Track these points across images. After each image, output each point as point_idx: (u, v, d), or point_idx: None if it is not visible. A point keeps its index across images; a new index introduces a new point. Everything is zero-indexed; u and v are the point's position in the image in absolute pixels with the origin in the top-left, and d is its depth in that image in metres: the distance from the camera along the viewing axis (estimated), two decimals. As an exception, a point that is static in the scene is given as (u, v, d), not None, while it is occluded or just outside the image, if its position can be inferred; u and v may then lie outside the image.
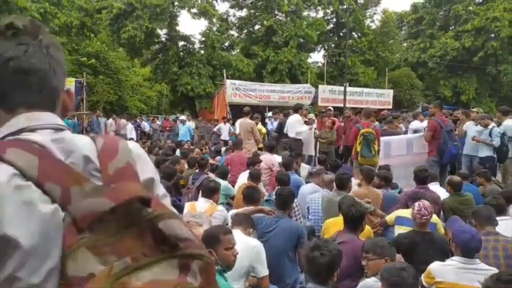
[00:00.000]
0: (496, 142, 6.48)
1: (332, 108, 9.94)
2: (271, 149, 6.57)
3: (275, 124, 10.40)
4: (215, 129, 12.22)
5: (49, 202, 0.65)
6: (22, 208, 0.63)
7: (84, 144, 0.75)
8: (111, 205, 0.65)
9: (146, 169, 0.80)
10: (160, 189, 0.83)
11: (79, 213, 0.65)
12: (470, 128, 7.02)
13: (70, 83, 15.32)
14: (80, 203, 0.66)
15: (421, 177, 4.33)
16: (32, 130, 0.72)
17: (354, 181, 4.69)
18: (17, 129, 0.72)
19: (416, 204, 3.06)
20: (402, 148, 6.72)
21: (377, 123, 8.12)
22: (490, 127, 6.64)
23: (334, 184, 4.31)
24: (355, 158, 6.06)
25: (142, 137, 14.65)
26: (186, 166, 6.13)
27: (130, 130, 13.92)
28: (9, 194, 0.62)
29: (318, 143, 8.54)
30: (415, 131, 7.69)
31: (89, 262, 0.62)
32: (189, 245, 0.67)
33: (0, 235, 0.60)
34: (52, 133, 0.74)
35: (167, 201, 0.83)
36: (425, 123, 7.25)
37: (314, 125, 8.49)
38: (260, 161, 5.57)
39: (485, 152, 6.61)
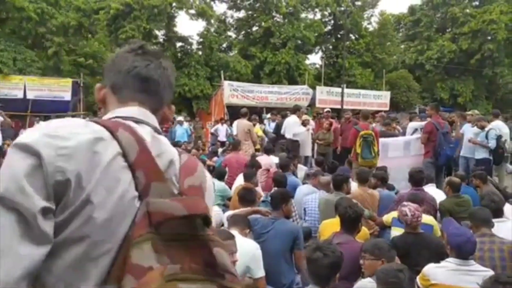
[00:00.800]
0: (492, 144, 6.52)
1: (330, 110, 9.95)
2: (268, 152, 6.58)
3: (273, 125, 10.40)
4: (212, 130, 12.20)
5: (134, 187, 0.73)
6: (112, 183, 0.71)
7: (173, 152, 0.85)
8: (184, 213, 0.71)
9: (209, 202, 0.87)
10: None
11: (154, 209, 0.71)
12: (467, 130, 7.06)
13: (67, 84, 15.29)
14: (158, 200, 0.73)
15: (417, 179, 4.34)
16: (138, 122, 0.83)
17: (353, 183, 4.68)
18: (127, 115, 0.84)
19: (406, 209, 3.01)
20: (399, 149, 6.73)
21: (374, 124, 8.12)
22: (486, 129, 6.67)
23: (332, 185, 4.31)
24: (355, 159, 6.06)
25: None
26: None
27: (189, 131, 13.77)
28: (107, 168, 0.71)
29: (315, 144, 8.54)
30: (415, 130, 7.67)
31: (151, 256, 0.68)
32: (233, 280, 0.74)
33: (85, 198, 0.68)
34: (152, 132, 0.84)
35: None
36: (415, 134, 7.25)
37: (310, 126, 8.48)
38: (260, 166, 5.55)
39: (481, 154, 6.64)
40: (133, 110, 0.86)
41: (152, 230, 0.70)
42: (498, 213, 3.33)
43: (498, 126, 6.88)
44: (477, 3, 26.55)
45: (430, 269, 2.55)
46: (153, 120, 0.88)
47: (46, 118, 13.51)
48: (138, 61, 0.89)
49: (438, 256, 2.76)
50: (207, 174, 0.91)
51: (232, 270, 0.75)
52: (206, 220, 0.75)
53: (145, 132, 0.81)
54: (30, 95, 13.74)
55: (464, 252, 2.47)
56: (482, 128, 6.71)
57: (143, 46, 0.92)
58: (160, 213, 0.70)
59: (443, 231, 3.81)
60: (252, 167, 5.35)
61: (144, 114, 0.86)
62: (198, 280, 0.69)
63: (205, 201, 0.82)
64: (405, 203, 3.17)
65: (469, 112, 7.89)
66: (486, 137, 6.57)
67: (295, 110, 8.23)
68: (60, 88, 14.85)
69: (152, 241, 0.69)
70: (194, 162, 0.88)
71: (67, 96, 14.95)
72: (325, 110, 9.87)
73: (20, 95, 13.98)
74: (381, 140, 6.46)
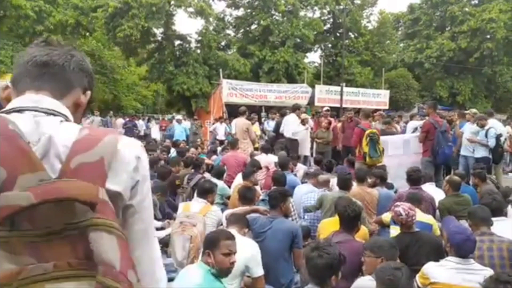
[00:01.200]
0: (492, 142, 6.51)
1: (329, 108, 9.93)
2: (266, 151, 6.57)
3: (271, 124, 10.38)
4: (211, 129, 12.18)
5: None
6: None
7: (62, 130, 0.75)
8: (31, 202, 0.61)
9: (116, 177, 0.74)
10: (136, 201, 0.78)
11: (2, 203, 0.61)
12: (467, 128, 7.05)
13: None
14: (8, 193, 0.62)
15: (414, 178, 4.33)
16: (21, 110, 0.77)
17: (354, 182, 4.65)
18: (12, 107, 0.79)
19: (400, 209, 3.00)
20: (399, 147, 6.71)
21: (374, 123, 8.12)
22: (486, 127, 6.66)
23: (335, 184, 4.29)
24: (361, 159, 6.03)
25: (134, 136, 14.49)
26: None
27: (154, 131, 13.60)
28: None
29: (314, 143, 8.52)
30: (415, 129, 7.65)
31: None
32: (107, 272, 0.63)
33: None
34: (40, 117, 0.77)
35: (142, 222, 0.79)
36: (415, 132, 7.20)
37: (308, 125, 8.45)
38: (260, 166, 5.53)
39: (480, 153, 6.63)
40: (22, 100, 0.80)
41: (6, 228, 0.60)
42: (498, 212, 3.32)
43: (495, 124, 6.89)
44: (476, 1, 26.55)
45: (429, 267, 2.54)
46: (49, 103, 0.80)
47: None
48: (39, 51, 0.85)
49: (437, 255, 2.75)
50: (125, 145, 0.77)
51: (109, 260, 0.63)
52: (88, 203, 0.64)
53: (25, 119, 0.74)
54: (28, 94, 13.69)
55: (464, 250, 2.46)
56: (483, 126, 6.70)
57: (47, 39, 0.89)
58: (5, 207, 0.60)
59: (443, 230, 3.81)
60: (252, 167, 5.33)
61: (33, 100, 0.79)
62: (73, 277, 0.61)
63: (93, 182, 0.68)
64: (398, 203, 3.17)
65: (467, 111, 7.88)
66: (486, 135, 6.56)
67: (295, 109, 8.19)
68: (58, 87, 14.81)
69: (2, 240, 0.60)
70: (97, 136, 0.74)
71: (65, 94, 14.91)
72: (324, 108, 9.84)
73: (18, 93, 13.92)
74: (381, 138, 6.42)
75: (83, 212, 0.64)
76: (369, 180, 4.69)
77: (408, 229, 3.03)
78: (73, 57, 0.88)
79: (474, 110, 7.72)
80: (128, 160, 0.76)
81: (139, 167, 0.78)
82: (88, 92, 0.92)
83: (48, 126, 0.75)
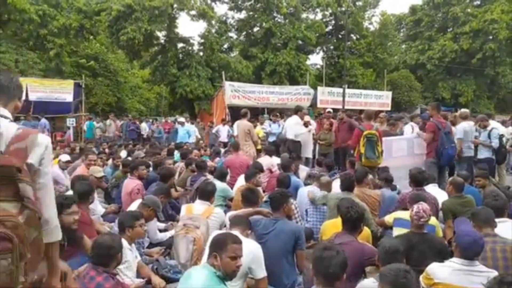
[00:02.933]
0: (495, 143, 6.49)
1: (331, 110, 9.93)
2: (269, 153, 6.57)
3: (274, 126, 10.40)
4: (213, 131, 12.19)
5: None
6: None
7: (8, 128, 1.53)
8: None
9: (33, 156, 1.54)
10: (42, 168, 1.58)
11: None
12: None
13: (68, 85, 15.32)
14: None
15: (418, 179, 4.32)
16: None
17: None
18: None
19: (415, 206, 3.05)
20: (402, 149, 6.69)
21: (377, 124, 8.09)
22: (489, 128, 6.64)
23: (340, 186, 4.28)
24: (358, 159, 6.02)
25: (140, 139, 14.48)
26: (182, 165, 6.11)
27: (192, 132, 12.11)
28: None
29: (316, 145, 8.52)
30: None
31: None
32: (28, 201, 1.45)
33: None
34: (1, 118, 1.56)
35: (44, 178, 1.60)
36: (414, 133, 7.12)
37: (311, 127, 8.45)
38: (262, 170, 5.53)
39: (484, 154, 6.61)
40: None
41: None
42: (500, 213, 3.30)
43: (496, 126, 6.87)
44: (478, 2, 26.53)
45: (434, 268, 2.53)
46: (3, 110, 1.59)
47: (48, 120, 13.55)
48: None
49: (441, 256, 2.74)
50: (41, 140, 1.57)
51: (29, 195, 1.45)
52: (17, 168, 1.42)
53: None
54: (32, 97, 13.75)
55: (469, 252, 2.44)
56: (485, 127, 6.69)
57: None
58: None
59: (447, 229, 3.80)
60: (255, 169, 5.33)
61: None
62: (8, 201, 1.40)
63: (21, 158, 1.48)
64: (421, 202, 3.17)
65: (457, 113, 7.86)
66: (489, 136, 6.54)
67: (297, 110, 8.19)
68: (61, 90, 14.88)
69: None
70: (27, 133, 1.54)
71: (69, 97, 14.97)
72: (327, 110, 9.83)
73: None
74: (384, 139, 6.39)
75: (14, 172, 1.41)
76: (377, 181, 4.68)
77: (416, 229, 3.03)
78: (13, 78, 1.68)
79: (463, 110, 7.69)
80: (41, 146, 1.56)
81: (46, 151, 1.58)
82: (22, 99, 1.75)
83: (2, 125, 1.51)
